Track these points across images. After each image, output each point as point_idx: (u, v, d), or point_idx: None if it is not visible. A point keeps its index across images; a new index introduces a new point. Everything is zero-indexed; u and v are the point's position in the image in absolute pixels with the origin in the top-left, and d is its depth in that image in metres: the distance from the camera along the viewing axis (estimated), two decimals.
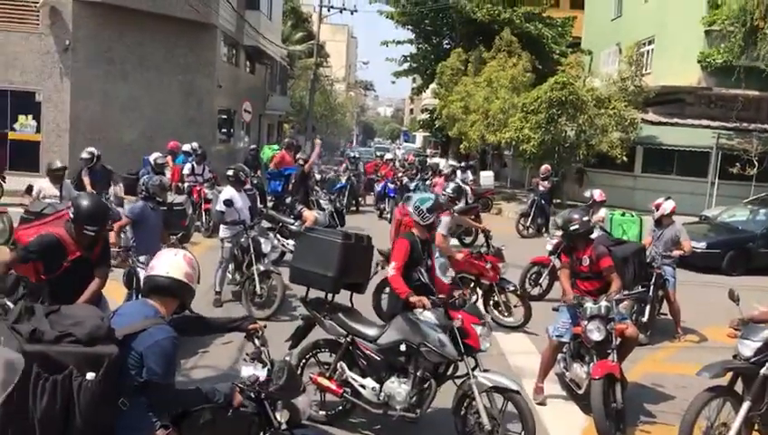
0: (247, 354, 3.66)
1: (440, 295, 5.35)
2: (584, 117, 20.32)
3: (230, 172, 9.03)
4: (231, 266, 8.93)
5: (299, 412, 3.56)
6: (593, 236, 9.60)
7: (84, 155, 11.84)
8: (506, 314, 8.52)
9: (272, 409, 3.43)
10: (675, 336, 8.67)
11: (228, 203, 8.52)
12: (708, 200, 20.68)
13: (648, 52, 25.63)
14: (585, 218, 6.34)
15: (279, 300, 8.18)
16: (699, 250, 13.16)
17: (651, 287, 8.38)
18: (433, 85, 33.84)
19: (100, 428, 2.71)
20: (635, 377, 7.07)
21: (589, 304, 5.80)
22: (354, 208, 18.48)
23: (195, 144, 14.88)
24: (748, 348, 4.96)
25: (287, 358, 3.73)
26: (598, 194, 10.43)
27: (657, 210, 8.84)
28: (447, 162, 20.83)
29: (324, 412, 5.37)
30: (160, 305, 3.21)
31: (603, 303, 5.77)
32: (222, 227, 8.81)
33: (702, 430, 4.86)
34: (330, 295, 5.63)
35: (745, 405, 4.88)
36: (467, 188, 17.16)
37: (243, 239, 8.54)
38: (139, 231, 6.96)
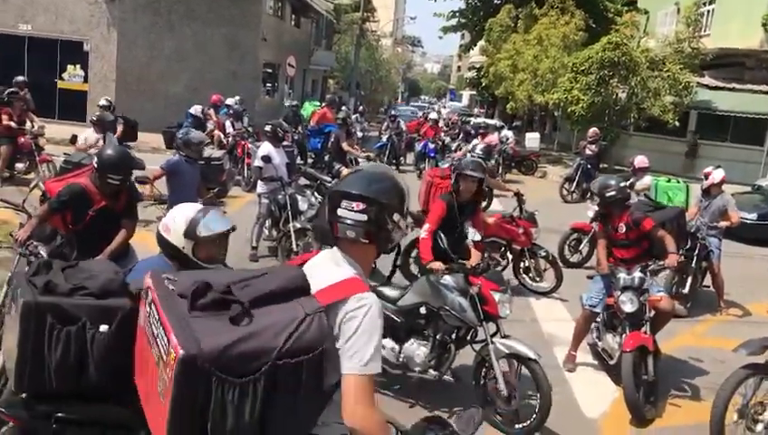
0: None
1: (465, 261, 5.31)
2: (636, 79, 19.64)
3: (268, 128, 9.00)
4: (268, 223, 8.96)
5: None
6: (631, 202, 9.38)
7: (102, 102, 12.16)
8: (537, 279, 8.37)
9: None
10: (717, 309, 8.41)
11: (266, 159, 8.51)
12: (763, 169, 19.89)
13: (707, 12, 24.49)
14: (622, 184, 6.13)
15: None
16: (749, 221, 12.69)
17: (694, 258, 8.13)
18: (481, 42, 33.12)
19: (113, 378, 2.74)
20: (671, 350, 6.89)
21: (622, 275, 5.66)
22: (395, 168, 18.32)
23: (237, 98, 14.89)
24: None
25: None
26: (638, 161, 10.10)
27: (707, 179, 8.50)
28: (475, 121, 20.06)
29: None
30: (174, 262, 3.19)
31: (637, 274, 5.62)
32: (259, 182, 8.82)
33: (736, 408, 4.70)
34: None
35: None
36: (507, 147, 16.84)
37: (280, 196, 8.54)
38: (175, 184, 6.97)
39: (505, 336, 4.89)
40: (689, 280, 8.16)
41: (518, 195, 8.62)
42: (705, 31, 23.36)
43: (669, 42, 21.35)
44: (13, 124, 10.80)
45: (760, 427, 4.69)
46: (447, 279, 5.01)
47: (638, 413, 5.19)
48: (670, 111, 19.65)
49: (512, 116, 34.03)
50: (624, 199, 6.08)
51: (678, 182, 9.61)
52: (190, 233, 3.31)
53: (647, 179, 9.61)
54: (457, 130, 20.32)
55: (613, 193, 5.96)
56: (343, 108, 15.32)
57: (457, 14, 35.08)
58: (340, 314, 2.01)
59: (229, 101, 15.23)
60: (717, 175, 8.44)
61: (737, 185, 17.51)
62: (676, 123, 19.91)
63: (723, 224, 8.24)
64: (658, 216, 6.72)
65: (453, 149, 17.93)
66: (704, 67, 22.15)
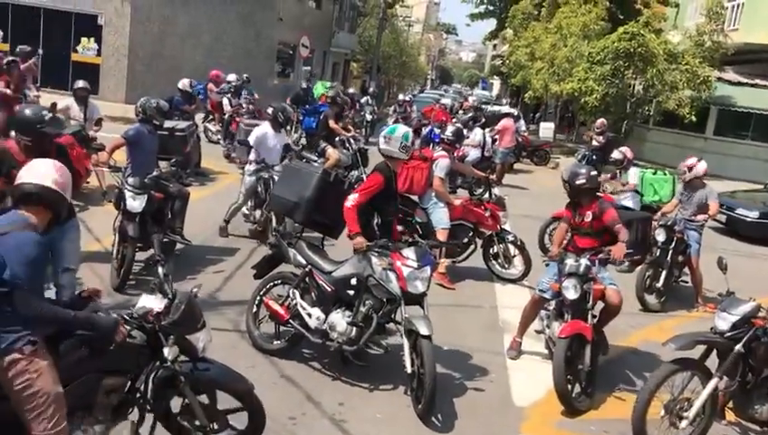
0: (154, 284, 3.56)
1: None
2: (653, 71, 19.12)
3: (269, 110, 8.79)
4: (251, 203, 8.69)
5: (195, 349, 3.46)
6: (628, 200, 9.11)
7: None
8: (506, 265, 8.18)
9: (166, 343, 3.34)
10: (693, 306, 8.14)
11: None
12: None
13: (737, 6, 23.72)
14: (593, 173, 5.96)
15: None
16: (749, 219, 12.34)
17: (670, 252, 7.88)
18: (507, 30, 32.60)
19: None
20: (633, 343, 6.76)
21: (569, 261, 5.49)
22: None
23: (233, 75, 14.90)
24: (725, 322, 4.57)
25: (194, 290, 3.61)
26: (623, 153, 9.78)
27: (690, 171, 8.19)
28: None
29: (278, 342, 5.45)
30: (31, 215, 3.15)
31: (584, 261, 5.45)
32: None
33: (663, 403, 4.54)
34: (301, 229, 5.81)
35: (713, 382, 4.52)
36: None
37: (266, 177, 8.29)
38: (134, 153, 6.94)
39: (425, 315, 4.86)
40: (663, 274, 7.91)
41: (487, 179, 8.46)
42: (734, 25, 22.62)
43: (690, 35, 20.74)
44: (8, 91, 10.89)
45: (684, 423, 4.53)
46: (373, 254, 5.07)
47: (566, 402, 5.04)
48: (687, 106, 19.10)
49: (536, 105, 33.44)
50: (593, 188, 5.91)
51: (665, 174, 9.35)
52: None
53: (633, 171, 9.33)
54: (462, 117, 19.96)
55: (583, 181, 5.79)
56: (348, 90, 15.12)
57: (485, 1, 34.59)
58: None
59: (230, 77, 15.22)
60: (701, 167, 8.14)
61: (751, 183, 17.08)
62: (693, 118, 19.34)
63: (701, 217, 7.97)
64: (625, 216, 6.51)
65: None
66: (728, 62, 21.47)
